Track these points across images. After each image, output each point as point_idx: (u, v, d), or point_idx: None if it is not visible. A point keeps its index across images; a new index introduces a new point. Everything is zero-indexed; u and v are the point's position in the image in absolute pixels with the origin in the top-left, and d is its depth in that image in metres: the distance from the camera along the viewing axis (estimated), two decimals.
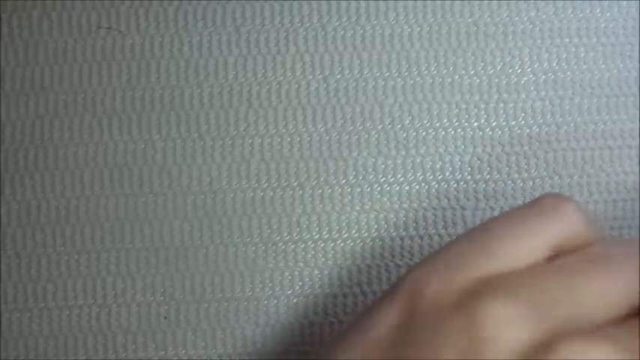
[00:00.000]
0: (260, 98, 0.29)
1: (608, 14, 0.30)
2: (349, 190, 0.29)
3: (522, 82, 0.29)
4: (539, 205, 0.22)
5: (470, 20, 0.29)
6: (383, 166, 0.29)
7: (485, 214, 0.29)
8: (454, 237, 0.28)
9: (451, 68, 0.29)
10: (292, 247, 0.28)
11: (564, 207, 0.21)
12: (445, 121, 0.29)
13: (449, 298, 0.20)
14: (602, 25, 0.29)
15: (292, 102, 0.29)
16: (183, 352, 0.28)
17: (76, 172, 0.28)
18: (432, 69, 0.29)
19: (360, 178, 0.29)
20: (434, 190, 0.29)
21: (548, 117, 0.29)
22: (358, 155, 0.29)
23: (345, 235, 0.28)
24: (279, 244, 0.28)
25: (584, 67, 0.29)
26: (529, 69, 0.29)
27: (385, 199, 0.29)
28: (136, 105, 0.29)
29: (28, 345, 0.28)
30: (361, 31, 0.29)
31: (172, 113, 0.29)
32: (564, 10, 0.29)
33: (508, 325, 0.19)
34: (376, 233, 0.28)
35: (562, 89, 0.29)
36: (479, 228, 0.22)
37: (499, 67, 0.29)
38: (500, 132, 0.29)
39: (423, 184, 0.29)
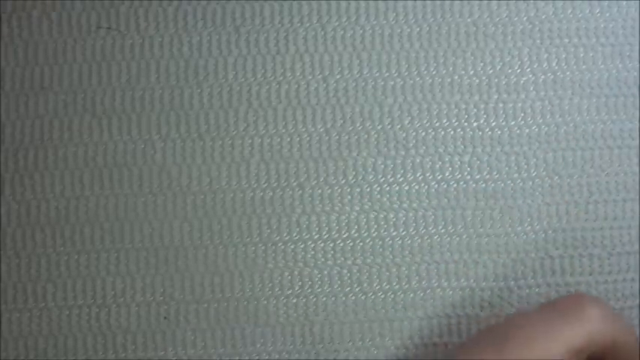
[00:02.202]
0: (260, 98, 0.29)
1: (607, 14, 0.30)
2: (349, 190, 0.29)
3: (522, 82, 0.29)
4: (561, 306, 0.22)
5: (469, 20, 0.29)
6: (383, 166, 0.29)
7: (485, 214, 0.29)
8: (454, 237, 0.28)
9: (451, 68, 0.29)
10: (292, 247, 0.28)
11: (587, 311, 0.22)
12: (445, 121, 0.29)
13: None
14: (602, 26, 0.30)
15: (292, 102, 0.29)
16: (183, 352, 0.28)
17: (75, 172, 0.28)
18: (432, 69, 0.29)
19: (360, 178, 0.29)
20: (434, 190, 0.29)
21: (548, 117, 0.29)
22: (358, 155, 0.29)
23: (345, 235, 0.28)
24: (279, 244, 0.28)
25: (584, 67, 0.29)
26: (528, 69, 0.29)
27: (385, 199, 0.29)
28: (135, 105, 0.29)
29: (28, 345, 0.28)
30: (361, 31, 0.29)
31: (172, 113, 0.29)
32: (564, 10, 0.29)
33: None
34: (376, 233, 0.28)
35: (562, 89, 0.29)
36: (499, 327, 0.22)
37: (499, 67, 0.29)
38: (500, 132, 0.29)
39: (423, 184, 0.29)
